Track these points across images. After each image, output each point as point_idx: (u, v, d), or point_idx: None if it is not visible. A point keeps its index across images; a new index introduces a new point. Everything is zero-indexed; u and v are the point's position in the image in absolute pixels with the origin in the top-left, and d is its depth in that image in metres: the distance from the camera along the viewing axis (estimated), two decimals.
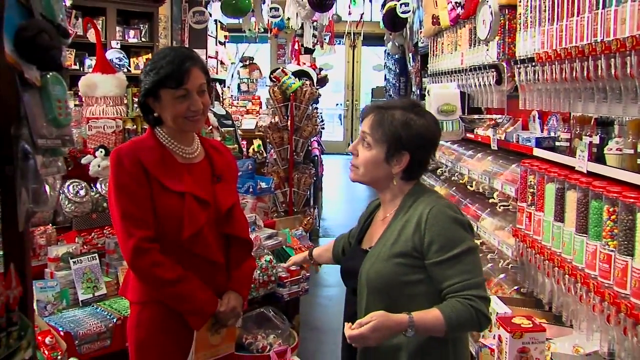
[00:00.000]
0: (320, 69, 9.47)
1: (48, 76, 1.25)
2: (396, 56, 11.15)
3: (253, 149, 7.17)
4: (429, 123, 2.06)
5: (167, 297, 2.31)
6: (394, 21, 8.52)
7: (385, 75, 13.56)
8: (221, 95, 10.11)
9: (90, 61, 7.52)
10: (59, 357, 2.50)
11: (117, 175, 2.27)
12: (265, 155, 7.12)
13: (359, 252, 2.18)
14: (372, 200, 2.37)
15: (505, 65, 3.62)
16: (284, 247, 4.10)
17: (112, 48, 7.54)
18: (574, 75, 2.55)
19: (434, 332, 1.90)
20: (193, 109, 2.30)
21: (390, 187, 2.11)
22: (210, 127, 4.20)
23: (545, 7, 2.82)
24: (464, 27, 4.42)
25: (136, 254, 2.22)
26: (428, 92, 4.59)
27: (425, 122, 2.04)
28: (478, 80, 4.03)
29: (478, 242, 3.24)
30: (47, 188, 1.26)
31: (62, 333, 2.67)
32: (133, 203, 2.24)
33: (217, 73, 11.14)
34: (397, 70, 11.41)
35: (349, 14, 10.91)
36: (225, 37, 12.50)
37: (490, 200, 3.64)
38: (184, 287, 2.28)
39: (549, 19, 2.77)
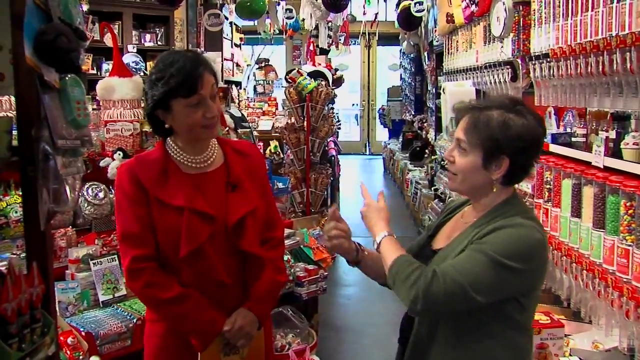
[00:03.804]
0: (336, 70, 9.51)
1: (67, 78, 1.28)
2: (411, 55, 11.13)
3: (270, 150, 7.20)
4: (530, 123, 1.82)
5: (165, 317, 2.21)
6: (408, 20, 8.51)
7: (400, 74, 13.53)
8: (237, 98, 10.14)
9: (107, 65, 7.60)
10: (80, 357, 2.54)
11: (116, 195, 2.24)
12: (282, 156, 7.14)
13: (428, 251, 1.97)
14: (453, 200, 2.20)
15: (520, 62, 3.61)
16: (301, 246, 4.12)
17: (128, 52, 7.61)
18: (589, 70, 2.54)
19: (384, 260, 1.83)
20: (209, 116, 2.12)
21: (489, 194, 1.88)
22: (227, 128, 4.23)
23: (559, 2, 2.81)
24: (479, 24, 4.41)
25: (129, 275, 2.17)
26: (443, 90, 4.59)
27: (525, 122, 1.81)
28: (493, 77, 4.03)
29: None
30: (67, 188, 1.28)
31: (83, 333, 2.71)
32: (130, 223, 2.15)
33: (232, 75, 11.20)
34: (413, 69, 11.39)
35: (364, 14, 10.92)
36: (241, 39, 12.57)
37: None
38: (182, 306, 2.14)
39: (563, 15, 2.77)
